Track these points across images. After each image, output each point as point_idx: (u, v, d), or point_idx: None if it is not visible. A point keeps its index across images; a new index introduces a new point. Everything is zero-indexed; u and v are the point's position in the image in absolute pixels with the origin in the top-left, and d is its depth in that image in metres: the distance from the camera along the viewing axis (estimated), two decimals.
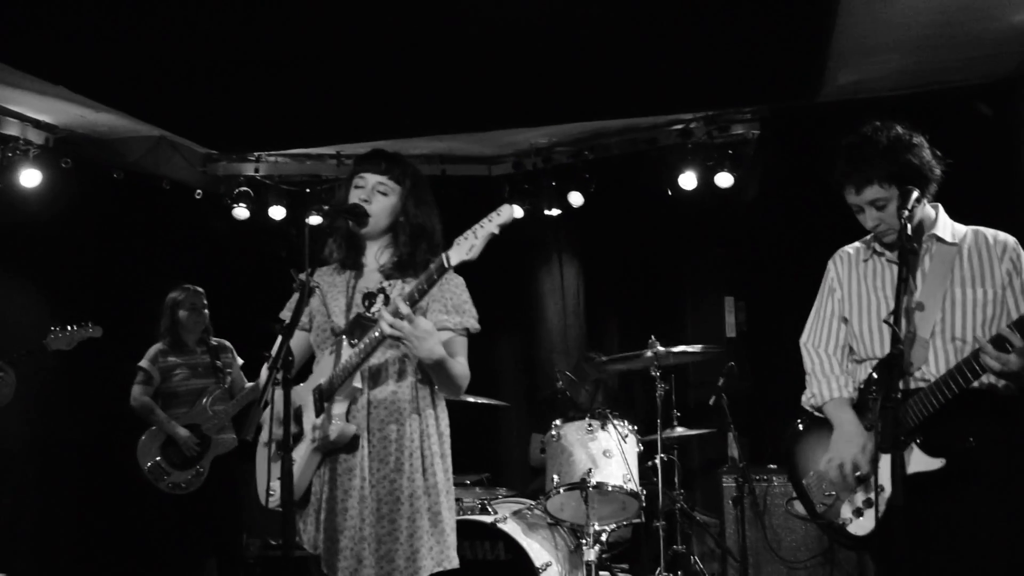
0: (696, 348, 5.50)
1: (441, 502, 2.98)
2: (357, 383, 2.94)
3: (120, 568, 6.33)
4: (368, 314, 2.98)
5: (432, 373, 2.97)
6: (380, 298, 3.01)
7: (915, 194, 2.74)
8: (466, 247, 2.72)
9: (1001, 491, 2.73)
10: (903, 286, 2.66)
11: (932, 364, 2.80)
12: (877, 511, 2.75)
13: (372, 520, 2.90)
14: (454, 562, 2.98)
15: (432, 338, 2.80)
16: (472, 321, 3.05)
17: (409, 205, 3.08)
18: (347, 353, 2.94)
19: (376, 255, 3.13)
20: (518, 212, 6.96)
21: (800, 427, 3.15)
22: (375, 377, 2.99)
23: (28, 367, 4.67)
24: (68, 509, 6.18)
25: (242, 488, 5.68)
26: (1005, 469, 2.74)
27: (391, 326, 2.73)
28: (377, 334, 2.82)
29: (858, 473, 2.85)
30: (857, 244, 3.13)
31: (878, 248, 3.00)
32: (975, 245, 2.87)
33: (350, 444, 2.95)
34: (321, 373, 3.03)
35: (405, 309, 2.73)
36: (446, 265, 2.74)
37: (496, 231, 2.72)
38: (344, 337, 2.97)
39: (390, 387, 2.99)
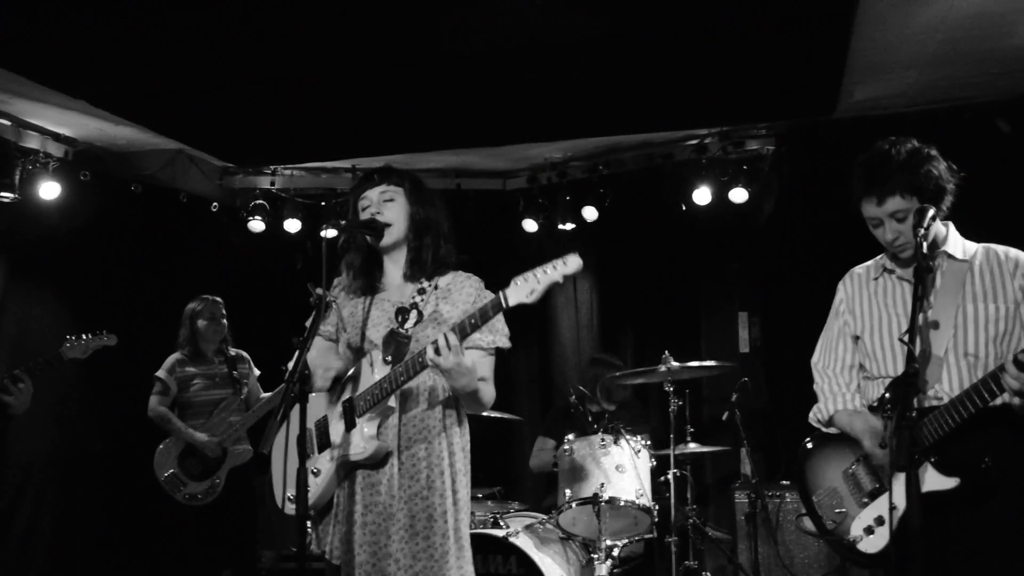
0: (710, 363, 5.48)
1: (461, 518, 3.00)
2: (391, 402, 2.95)
3: None
4: (402, 331, 2.98)
5: (463, 399, 3.00)
6: (413, 314, 3.01)
7: (931, 212, 2.75)
8: (526, 290, 2.71)
9: (1016, 511, 2.72)
10: (918, 304, 2.66)
11: (946, 382, 2.80)
12: (891, 529, 2.73)
13: (404, 536, 2.90)
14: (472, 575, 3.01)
15: (470, 375, 2.83)
16: (504, 339, 3.07)
17: (413, 202, 3.11)
18: (380, 369, 2.95)
19: (398, 265, 3.14)
20: (528, 224, 7.01)
21: (809, 445, 3.17)
22: (407, 396, 3.00)
23: (46, 376, 4.69)
24: (85, 518, 6.21)
25: (257, 499, 5.70)
26: (1020, 489, 2.73)
27: (435, 356, 2.74)
28: (421, 359, 2.83)
29: (874, 486, 2.85)
30: (867, 264, 3.14)
31: (888, 266, 3.02)
32: (986, 262, 2.88)
33: (382, 460, 2.96)
34: (347, 386, 3.04)
35: (454, 341, 2.74)
36: (503, 305, 2.74)
37: (560, 280, 2.71)
38: (379, 352, 2.98)
39: (421, 407, 3.01)
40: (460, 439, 3.07)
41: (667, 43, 4.85)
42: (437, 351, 2.73)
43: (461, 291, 3.05)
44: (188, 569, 6.05)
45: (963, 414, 2.67)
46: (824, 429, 3.13)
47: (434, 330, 2.91)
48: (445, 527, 2.92)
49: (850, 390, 3.08)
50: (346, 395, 3.03)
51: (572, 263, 2.71)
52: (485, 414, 5.23)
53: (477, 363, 2.96)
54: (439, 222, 3.14)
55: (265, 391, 5.84)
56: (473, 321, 2.78)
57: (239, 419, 5.59)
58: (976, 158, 2.95)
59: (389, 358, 2.94)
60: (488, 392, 3.00)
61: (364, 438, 2.93)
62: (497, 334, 3.04)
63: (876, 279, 3.05)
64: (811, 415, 3.16)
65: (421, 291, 3.06)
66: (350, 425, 2.98)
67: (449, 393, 3.02)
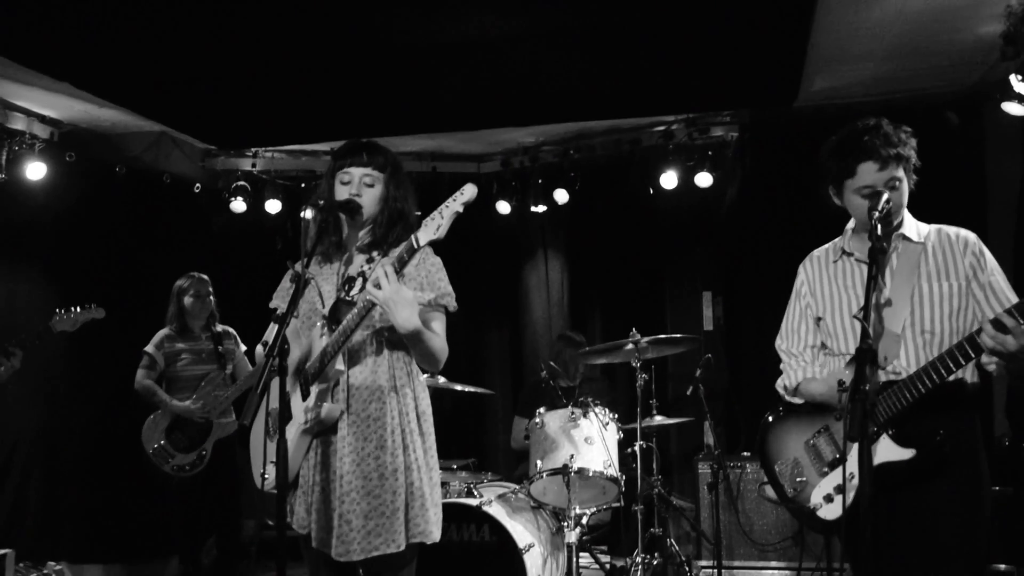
0: (676, 335, 5.49)
1: (422, 478, 2.97)
2: (339, 365, 2.94)
3: (123, 546, 6.32)
4: (348, 298, 2.98)
5: (409, 343, 2.94)
6: (359, 282, 3.00)
7: (886, 195, 2.78)
8: (433, 227, 2.76)
9: (965, 482, 2.76)
10: (872, 283, 2.68)
11: (903, 357, 2.82)
12: (843, 498, 2.77)
13: (357, 497, 2.88)
14: (433, 536, 2.97)
15: (411, 307, 2.79)
16: (448, 299, 3.03)
17: (391, 189, 3.09)
18: (327, 337, 2.94)
19: (359, 240, 3.13)
20: (501, 206, 7.01)
21: (771, 418, 3.18)
22: (354, 358, 2.98)
23: (34, 351, 4.64)
24: (72, 490, 6.17)
25: (241, 470, 5.69)
26: (969, 461, 2.77)
27: (375, 290, 2.74)
28: (353, 313, 2.84)
29: (833, 456, 2.88)
30: (826, 246, 3.15)
31: (847, 248, 3.03)
32: (939, 242, 2.90)
33: (335, 425, 2.95)
34: (306, 361, 3.03)
35: (391, 273, 2.74)
36: (415, 246, 2.78)
37: (460, 210, 2.76)
38: (326, 322, 2.98)
39: (368, 367, 2.98)
40: (413, 400, 3.04)
41: (635, 32, 4.85)
42: (377, 286, 2.74)
43: None
44: (174, 538, 6.04)
45: (920, 389, 2.70)
46: (789, 398, 3.15)
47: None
48: (396, 484, 2.90)
49: (815, 364, 3.10)
50: (305, 367, 3.03)
51: (468, 192, 2.77)
52: (459, 388, 5.30)
53: (423, 318, 2.91)
54: (410, 213, 3.12)
55: (252, 366, 5.82)
56: (394, 266, 2.80)
57: (225, 393, 5.56)
58: (927, 147, 2.97)
59: (335, 326, 2.94)
60: (436, 341, 2.95)
61: (314, 403, 2.93)
62: (439, 292, 3.02)
63: (835, 262, 3.07)
64: (778, 383, 3.17)
65: (369, 260, 3.05)
66: (305, 395, 2.98)
67: (398, 353, 2.99)
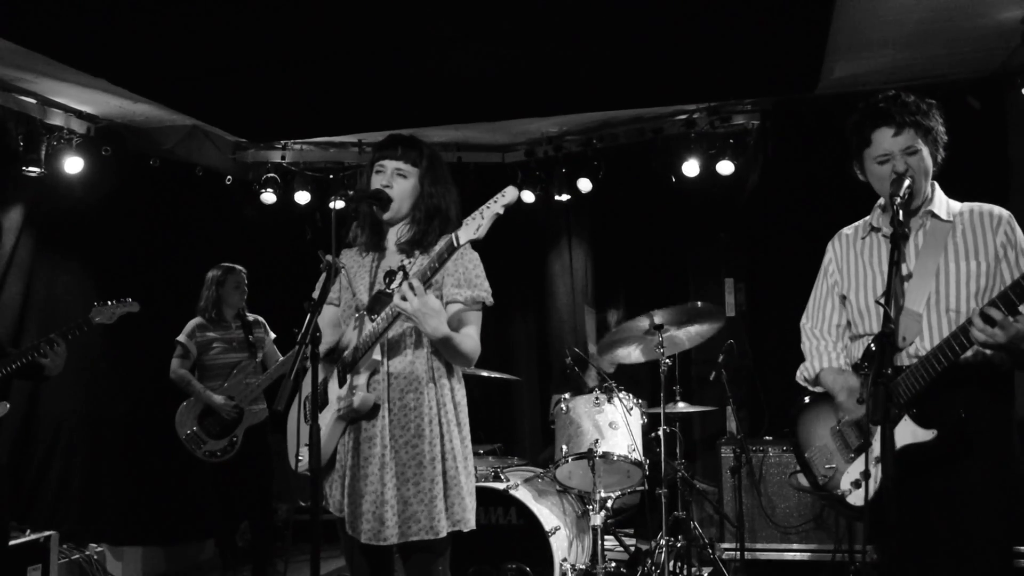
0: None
1: (458, 467, 2.99)
2: (377, 355, 2.96)
3: (161, 529, 6.41)
4: (388, 291, 2.99)
5: (439, 347, 2.96)
6: (400, 275, 3.02)
7: (907, 182, 2.73)
8: (473, 227, 2.76)
9: (990, 462, 2.70)
10: (894, 268, 2.65)
11: (926, 337, 2.76)
12: (867, 483, 2.74)
13: (395, 484, 2.91)
14: (470, 524, 3.00)
15: (439, 316, 2.80)
16: (484, 294, 3.04)
17: (426, 184, 3.09)
18: (368, 328, 2.96)
19: (397, 234, 3.14)
20: (526, 195, 6.99)
21: (806, 401, 3.13)
22: (394, 349, 3.01)
23: (75, 340, 4.70)
24: (112, 474, 6.25)
25: (273, 456, 5.74)
26: (994, 441, 2.71)
27: (401, 302, 2.76)
28: (382, 317, 2.85)
29: (859, 442, 2.86)
30: (856, 224, 3.09)
31: (875, 224, 2.97)
32: (970, 220, 2.83)
33: (371, 412, 2.97)
34: (346, 348, 3.06)
35: (417, 286, 2.75)
36: (455, 244, 2.78)
37: (501, 211, 2.77)
38: (366, 313, 3.00)
39: (408, 358, 3.00)
40: (451, 392, 3.05)
41: (657, 22, 4.82)
42: (404, 298, 2.75)
43: None
44: (208, 521, 6.12)
45: (936, 368, 2.64)
46: (811, 388, 3.11)
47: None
48: (434, 473, 2.92)
49: (836, 348, 3.05)
50: (343, 356, 3.05)
51: (510, 194, 2.78)
52: (486, 374, 5.32)
53: (459, 316, 2.96)
54: (448, 209, 3.11)
55: (282, 354, 5.86)
56: (433, 265, 2.81)
57: (255, 381, 5.61)
58: (949, 133, 2.93)
59: (375, 317, 2.95)
60: (467, 343, 2.95)
61: (352, 391, 2.95)
62: (476, 289, 3.02)
63: (864, 238, 3.01)
64: (798, 374, 3.14)
65: (411, 256, 3.07)
66: (343, 382, 3.00)
67: (435, 346, 3.00)
